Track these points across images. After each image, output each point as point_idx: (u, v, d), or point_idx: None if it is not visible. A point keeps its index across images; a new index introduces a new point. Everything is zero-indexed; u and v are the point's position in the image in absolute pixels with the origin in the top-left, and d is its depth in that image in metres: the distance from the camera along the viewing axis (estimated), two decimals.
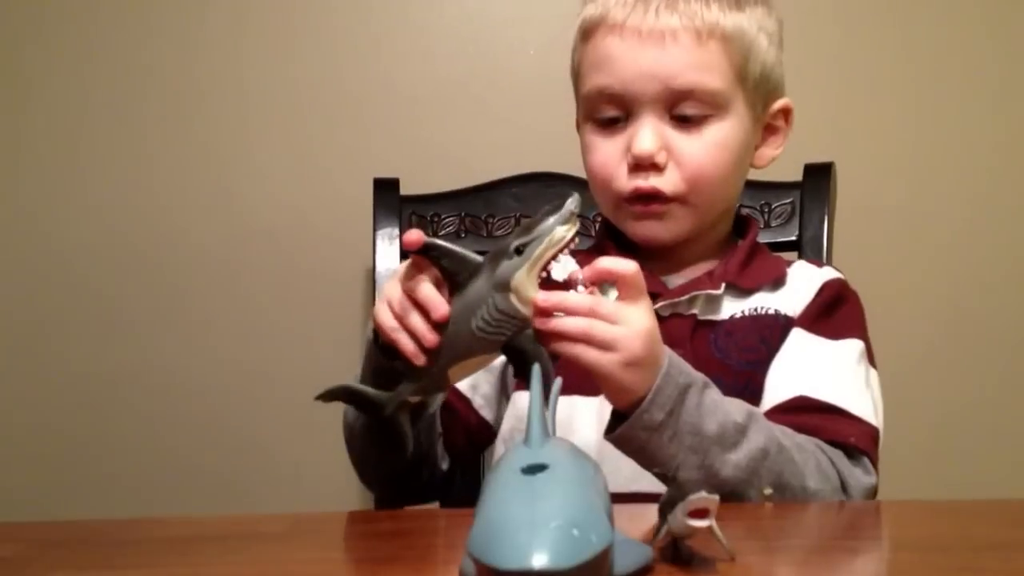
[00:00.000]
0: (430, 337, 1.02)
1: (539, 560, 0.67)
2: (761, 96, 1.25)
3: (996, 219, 1.88)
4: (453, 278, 1.04)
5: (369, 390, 1.09)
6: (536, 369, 0.85)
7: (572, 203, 1.01)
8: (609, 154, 1.24)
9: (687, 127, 1.22)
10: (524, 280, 1.00)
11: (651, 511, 0.83)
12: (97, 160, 1.90)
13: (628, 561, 0.76)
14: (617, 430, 1.07)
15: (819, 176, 1.68)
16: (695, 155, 1.21)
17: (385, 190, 1.78)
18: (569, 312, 1.02)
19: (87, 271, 1.89)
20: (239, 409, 1.90)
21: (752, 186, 1.60)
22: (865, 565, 0.93)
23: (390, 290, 1.06)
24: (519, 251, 1.00)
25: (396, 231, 1.76)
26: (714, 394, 1.10)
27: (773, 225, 1.66)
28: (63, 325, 1.90)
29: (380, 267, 1.76)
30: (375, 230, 1.76)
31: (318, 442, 1.88)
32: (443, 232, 1.77)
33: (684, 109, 1.21)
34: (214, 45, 1.90)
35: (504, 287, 1.01)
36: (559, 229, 1.00)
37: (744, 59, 1.22)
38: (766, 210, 1.67)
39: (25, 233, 1.90)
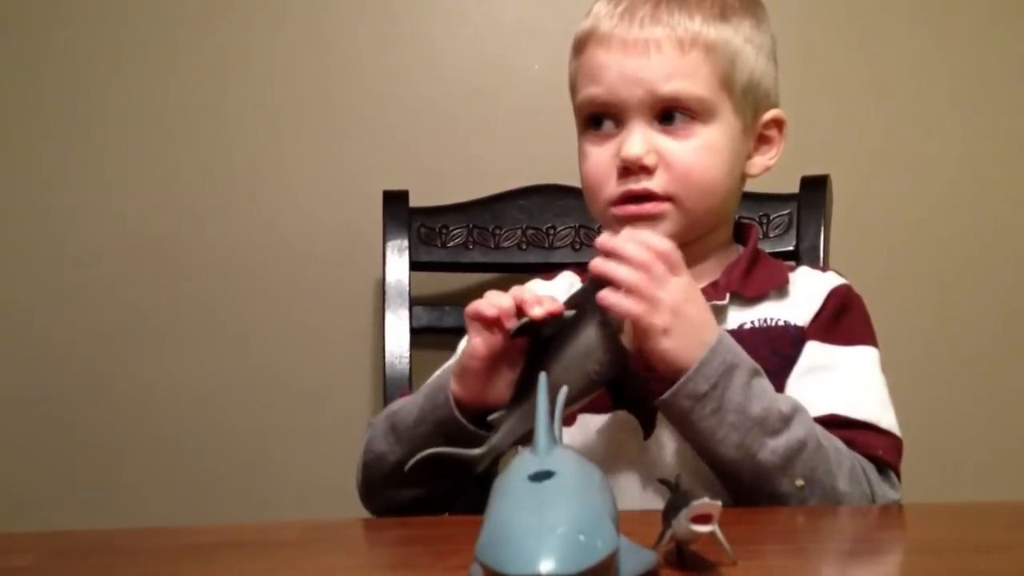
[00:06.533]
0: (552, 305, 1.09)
1: (546, 566, 0.69)
2: (750, 104, 1.27)
3: (990, 228, 1.89)
4: (551, 342, 1.09)
5: (460, 452, 1.10)
6: (543, 377, 0.87)
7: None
8: (600, 161, 1.26)
9: (675, 132, 1.24)
10: None
11: (656, 517, 0.84)
12: (110, 169, 1.90)
13: (633, 566, 0.77)
14: (664, 395, 1.11)
15: (815, 188, 1.71)
16: (684, 157, 1.23)
17: (394, 202, 1.79)
18: (625, 262, 1.09)
19: (100, 279, 1.90)
20: (250, 417, 1.90)
21: (751, 198, 1.62)
22: (871, 568, 0.94)
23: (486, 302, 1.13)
24: None
25: (405, 242, 1.77)
26: (764, 382, 1.14)
27: (771, 235, 1.69)
28: (75, 332, 1.90)
29: (389, 278, 1.77)
30: (385, 241, 1.77)
31: (330, 450, 1.89)
32: (451, 243, 1.78)
33: (671, 115, 1.24)
34: (224, 59, 1.90)
35: (619, 330, 1.08)
36: None
37: (730, 67, 1.24)
38: (764, 221, 1.69)
39: (39, 238, 1.91)
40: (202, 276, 1.90)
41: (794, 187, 1.71)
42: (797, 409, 1.14)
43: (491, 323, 1.11)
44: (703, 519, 0.79)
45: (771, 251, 1.62)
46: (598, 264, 1.10)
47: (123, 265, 1.90)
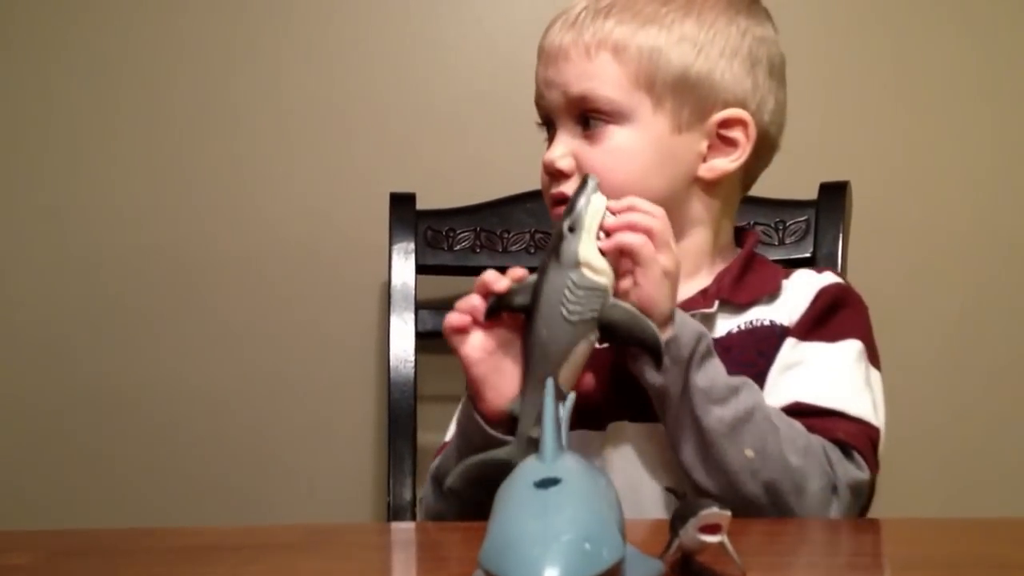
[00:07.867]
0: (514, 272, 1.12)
1: (551, 573, 0.68)
2: (688, 104, 1.26)
3: (1013, 235, 1.88)
4: (528, 308, 1.11)
5: (494, 454, 1.11)
6: (549, 383, 0.86)
7: (591, 178, 1.12)
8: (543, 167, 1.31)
9: (590, 136, 1.26)
10: (589, 250, 1.09)
11: (663, 526, 0.84)
12: (116, 170, 1.91)
13: (639, 575, 0.77)
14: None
15: (834, 194, 1.69)
16: (591, 159, 1.25)
17: (401, 204, 1.79)
18: (639, 211, 1.12)
19: (104, 278, 1.91)
20: (253, 419, 1.90)
21: (767, 203, 1.62)
22: None
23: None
24: (572, 230, 1.09)
25: (412, 245, 1.77)
26: (715, 360, 1.15)
27: (788, 242, 1.68)
28: (79, 331, 1.91)
29: (395, 281, 1.77)
30: (391, 244, 1.77)
31: (332, 453, 1.90)
32: (458, 247, 1.78)
33: (588, 119, 1.27)
34: (231, 61, 1.91)
35: (575, 264, 1.09)
36: (594, 198, 1.11)
37: (648, 66, 1.25)
38: (781, 227, 1.68)
39: (46, 239, 1.91)
40: (208, 278, 1.91)
41: (812, 193, 1.70)
42: (745, 383, 1.15)
43: (467, 328, 1.13)
44: (712, 529, 0.78)
45: (788, 258, 1.62)
46: (613, 221, 1.11)
47: (127, 266, 1.91)
